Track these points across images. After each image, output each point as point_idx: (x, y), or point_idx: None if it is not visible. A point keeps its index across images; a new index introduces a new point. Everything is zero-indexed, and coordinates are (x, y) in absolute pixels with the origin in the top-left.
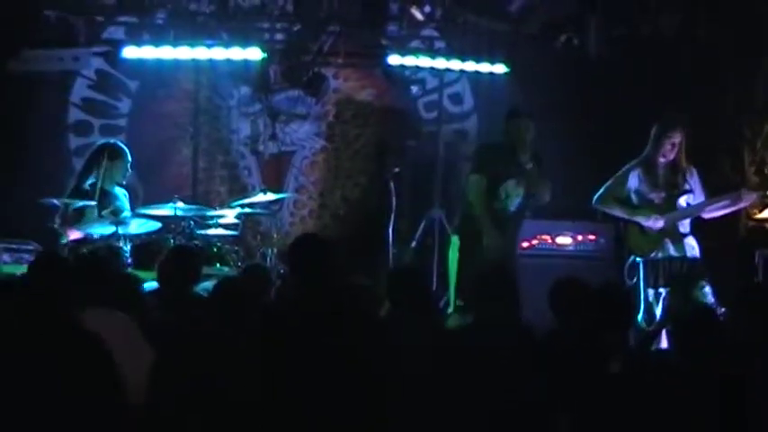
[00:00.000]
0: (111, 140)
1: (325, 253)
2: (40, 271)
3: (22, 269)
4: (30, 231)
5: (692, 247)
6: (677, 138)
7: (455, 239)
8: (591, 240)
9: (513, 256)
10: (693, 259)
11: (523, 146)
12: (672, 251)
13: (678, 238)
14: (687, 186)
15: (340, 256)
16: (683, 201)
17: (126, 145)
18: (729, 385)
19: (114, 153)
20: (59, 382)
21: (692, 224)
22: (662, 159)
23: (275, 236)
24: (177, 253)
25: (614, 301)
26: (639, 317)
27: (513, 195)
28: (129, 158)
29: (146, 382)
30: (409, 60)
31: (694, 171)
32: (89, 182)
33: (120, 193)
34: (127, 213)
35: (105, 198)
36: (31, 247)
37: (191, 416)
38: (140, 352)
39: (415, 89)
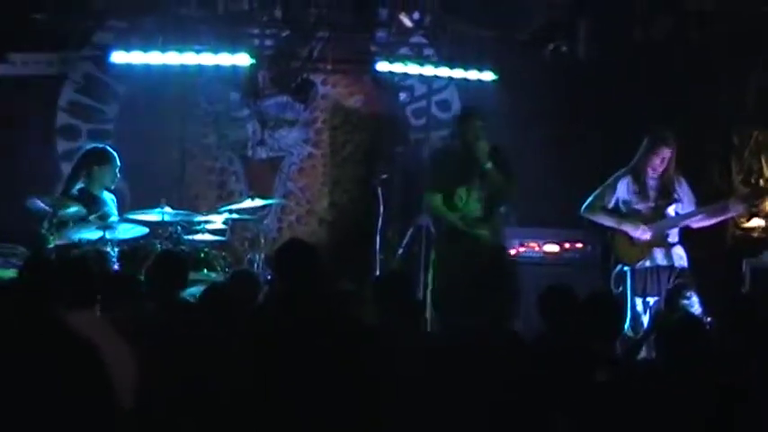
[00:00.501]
0: (100, 145)
1: (311, 258)
2: (29, 274)
3: (10, 273)
4: (17, 236)
5: (680, 256)
6: (666, 154)
7: (433, 257)
8: (578, 248)
9: (501, 260)
10: (681, 269)
11: (479, 146)
12: (659, 260)
13: (666, 248)
14: (676, 196)
15: (327, 262)
16: (671, 210)
17: (114, 149)
18: (716, 394)
19: (103, 158)
20: (48, 383)
21: (681, 233)
22: (650, 171)
23: (263, 241)
24: (164, 258)
25: (604, 310)
26: (626, 326)
27: (470, 200)
28: (118, 163)
29: (137, 383)
30: (398, 67)
31: (683, 180)
32: (77, 186)
33: (108, 197)
34: (114, 218)
35: (93, 203)
36: (18, 252)
37: (182, 418)
38: (120, 352)
39: (403, 96)
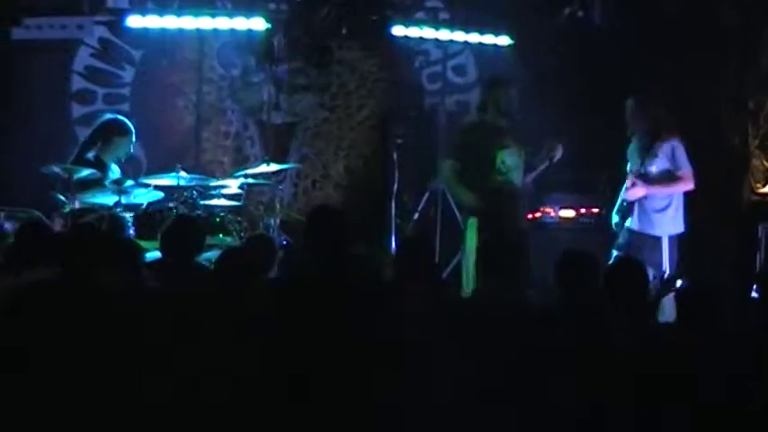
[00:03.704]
0: (120, 116)
1: (343, 224)
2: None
3: None
4: (33, 200)
5: (637, 220)
6: (628, 113)
7: (472, 220)
8: (594, 213)
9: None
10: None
11: (509, 114)
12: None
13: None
14: (656, 155)
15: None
16: (653, 169)
17: (129, 114)
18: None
19: (122, 130)
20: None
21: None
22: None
23: (278, 206)
24: (180, 223)
25: (624, 275)
26: None
27: (514, 167)
28: (134, 138)
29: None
30: (413, 31)
31: (675, 144)
32: (91, 153)
33: (115, 169)
34: (129, 183)
35: (103, 172)
36: (33, 216)
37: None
38: None
39: (418, 60)
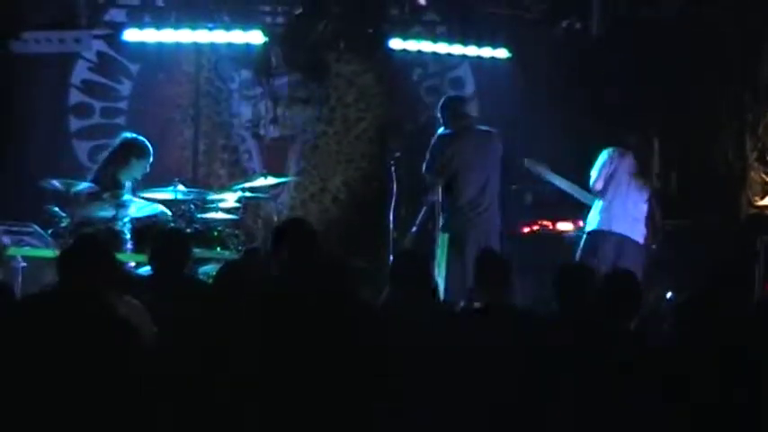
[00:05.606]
0: (140, 137)
1: (309, 236)
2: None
3: (22, 251)
4: (30, 213)
5: None
6: None
7: (444, 237)
8: None
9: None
10: None
11: None
12: None
13: None
14: None
15: (339, 239)
16: None
17: (126, 128)
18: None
19: (142, 151)
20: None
21: None
22: None
23: (276, 220)
24: (166, 237)
25: (620, 289)
26: None
27: None
28: (151, 158)
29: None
30: (411, 44)
31: None
32: (109, 172)
33: (128, 185)
34: (128, 197)
35: (116, 188)
36: (30, 230)
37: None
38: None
39: (416, 73)
